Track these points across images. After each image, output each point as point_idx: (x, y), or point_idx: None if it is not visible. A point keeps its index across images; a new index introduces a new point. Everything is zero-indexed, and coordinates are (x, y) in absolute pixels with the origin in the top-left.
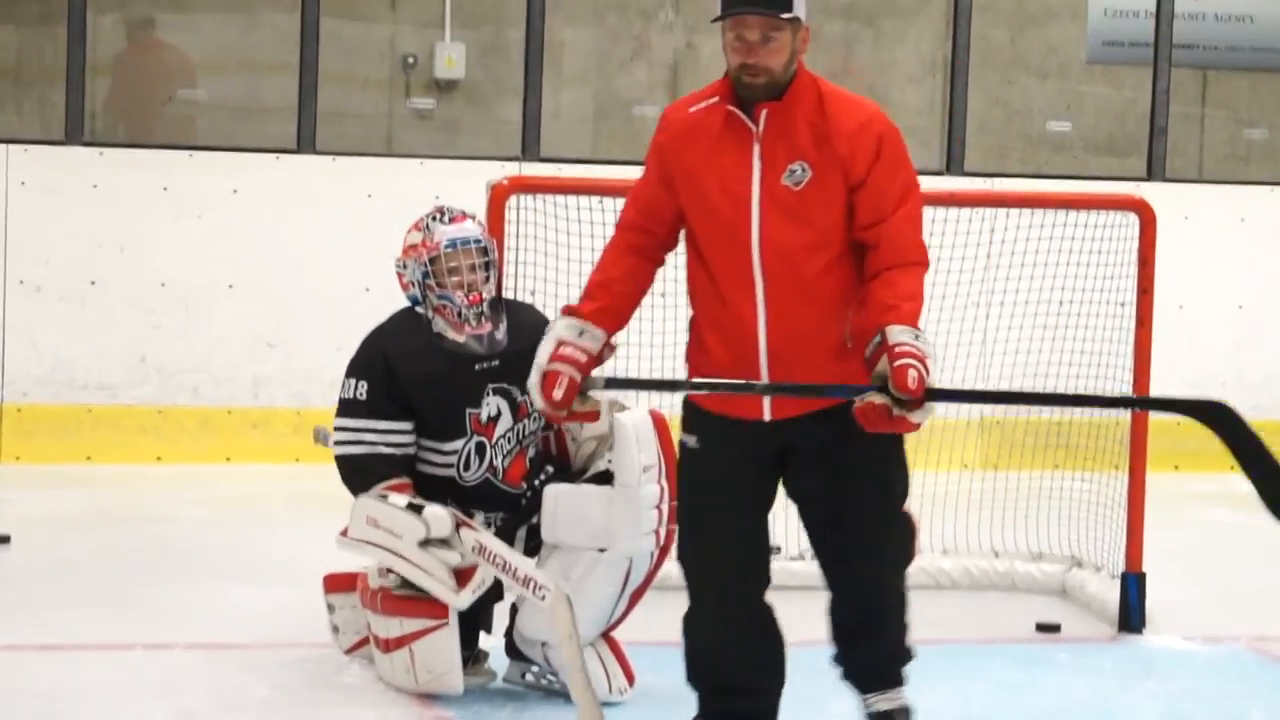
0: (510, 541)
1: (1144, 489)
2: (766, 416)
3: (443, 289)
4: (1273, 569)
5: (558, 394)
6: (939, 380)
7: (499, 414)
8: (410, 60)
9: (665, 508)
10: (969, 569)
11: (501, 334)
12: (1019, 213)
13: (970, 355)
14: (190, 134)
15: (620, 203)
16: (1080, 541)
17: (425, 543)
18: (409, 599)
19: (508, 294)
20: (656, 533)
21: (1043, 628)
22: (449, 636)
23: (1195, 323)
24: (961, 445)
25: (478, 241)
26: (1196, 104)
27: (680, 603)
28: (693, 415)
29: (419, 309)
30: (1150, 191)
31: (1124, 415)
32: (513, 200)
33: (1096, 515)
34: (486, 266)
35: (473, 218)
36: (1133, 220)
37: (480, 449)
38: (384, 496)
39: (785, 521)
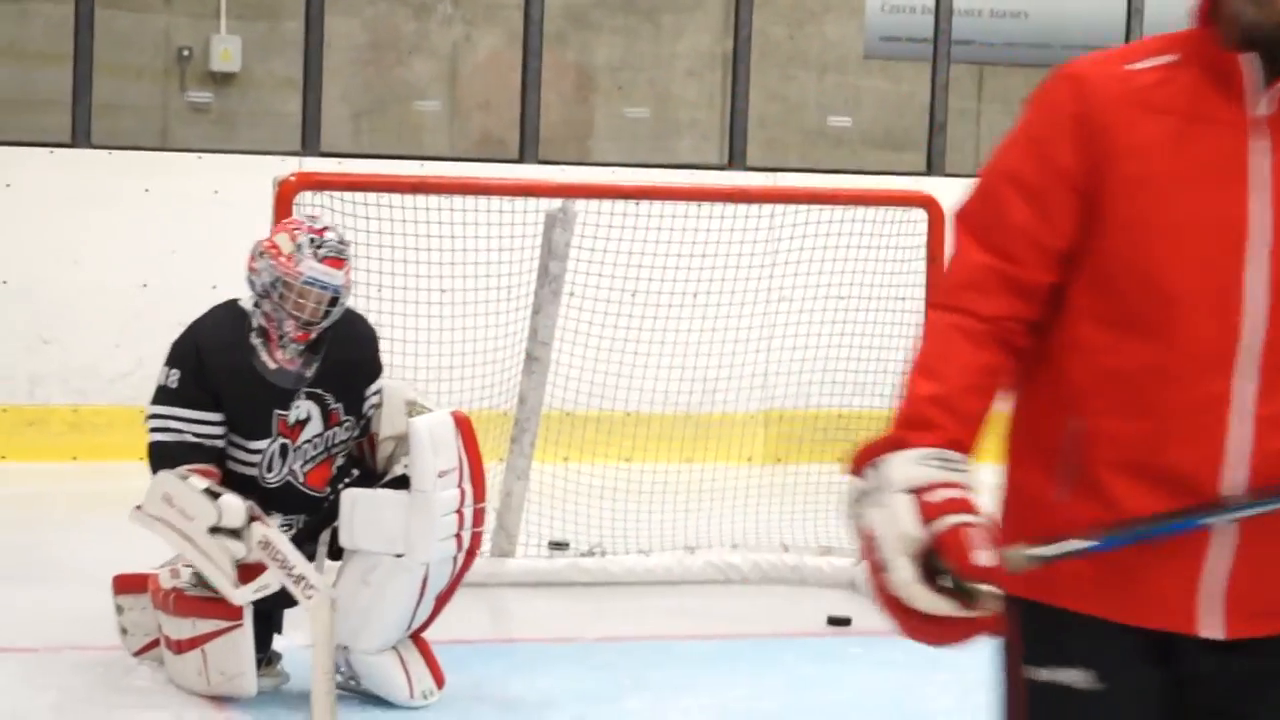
0: (313, 543)
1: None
2: (1212, 631)
3: (280, 309)
4: None
5: (986, 556)
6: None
7: (308, 418)
8: (185, 53)
9: (468, 511)
10: (758, 563)
11: (310, 373)
12: (802, 208)
13: (756, 350)
14: None
15: (409, 200)
16: None
17: (215, 530)
18: (203, 600)
19: None
20: (458, 537)
21: (834, 621)
22: (243, 638)
23: None
24: (742, 439)
25: (336, 292)
26: (973, 99)
27: (488, 598)
28: (1044, 626)
29: (246, 303)
30: (930, 186)
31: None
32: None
33: None
34: (329, 314)
35: (347, 262)
36: (914, 215)
37: (284, 451)
38: (185, 477)
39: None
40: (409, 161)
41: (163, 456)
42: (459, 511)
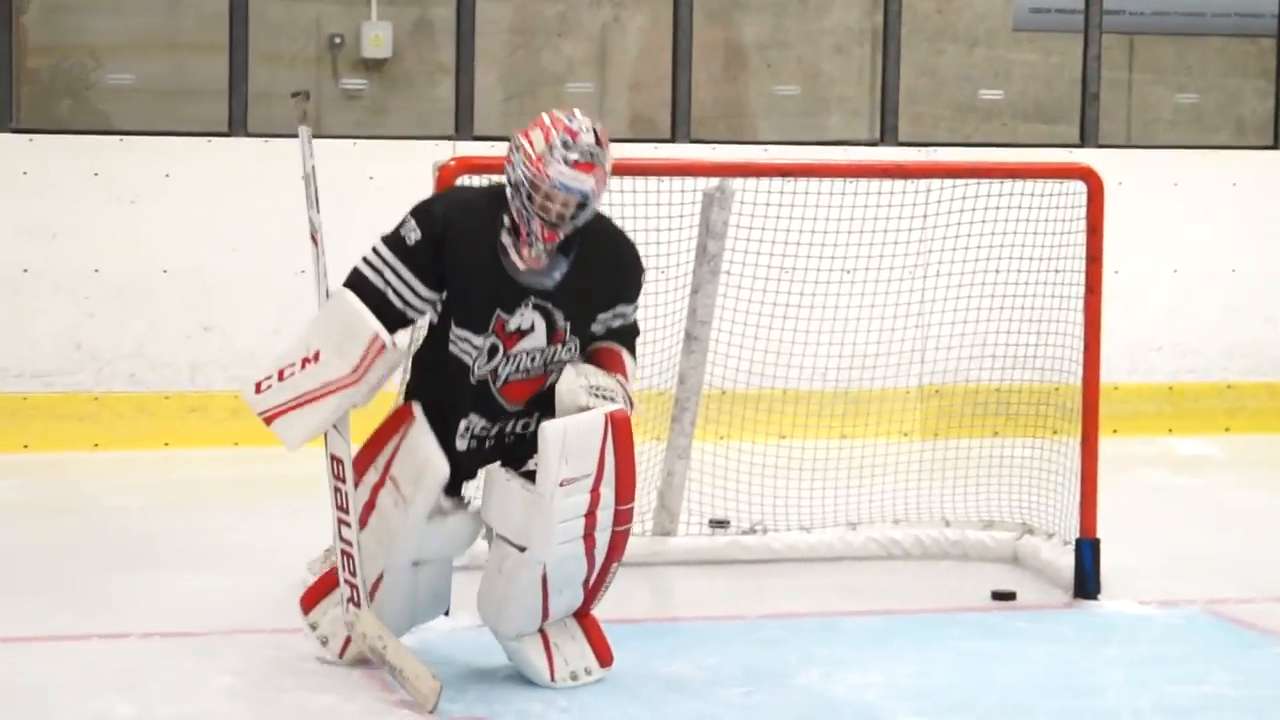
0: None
1: (1097, 455)
2: None
3: (528, 207)
4: (1218, 531)
5: None
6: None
7: (531, 329)
8: (337, 40)
9: (604, 513)
10: (920, 538)
11: (552, 280)
12: (957, 183)
13: (911, 326)
14: (119, 118)
15: None
16: (1030, 508)
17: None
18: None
19: None
20: (587, 539)
21: (998, 596)
22: (418, 430)
23: (1130, 288)
24: (900, 414)
25: (584, 199)
26: (1124, 69)
27: (651, 577)
28: None
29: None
30: (1083, 157)
31: (1066, 381)
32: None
33: (1045, 481)
34: (576, 216)
35: (600, 167)
36: (1071, 188)
37: (493, 351)
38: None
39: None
40: None
41: (357, 289)
42: (589, 515)
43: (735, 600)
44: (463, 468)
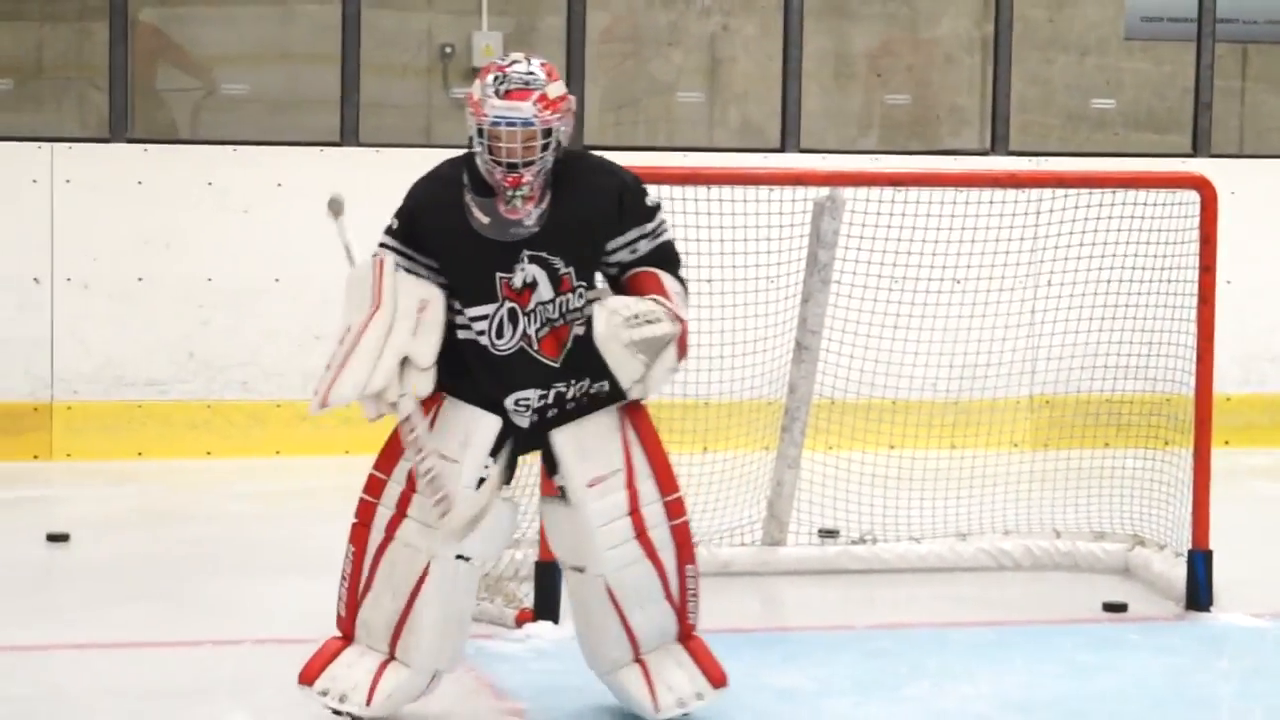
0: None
1: (1209, 467)
2: None
3: (486, 159)
4: None
5: None
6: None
7: (534, 282)
8: (448, 50)
9: (651, 509)
10: (1030, 549)
11: (533, 220)
12: (1066, 192)
13: (1021, 336)
14: (233, 129)
15: (676, 192)
16: (1141, 520)
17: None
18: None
19: None
20: (641, 539)
21: (1110, 607)
22: (456, 401)
23: (1243, 298)
24: (1012, 424)
25: (527, 124)
26: (1237, 78)
27: (761, 587)
28: None
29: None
30: (1196, 167)
31: (1178, 392)
32: None
33: (1156, 493)
34: (531, 150)
35: (536, 90)
36: (1184, 197)
37: (513, 316)
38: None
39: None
40: (670, 153)
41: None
42: (633, 513)
43: (845, 610)
44: (527, 440)
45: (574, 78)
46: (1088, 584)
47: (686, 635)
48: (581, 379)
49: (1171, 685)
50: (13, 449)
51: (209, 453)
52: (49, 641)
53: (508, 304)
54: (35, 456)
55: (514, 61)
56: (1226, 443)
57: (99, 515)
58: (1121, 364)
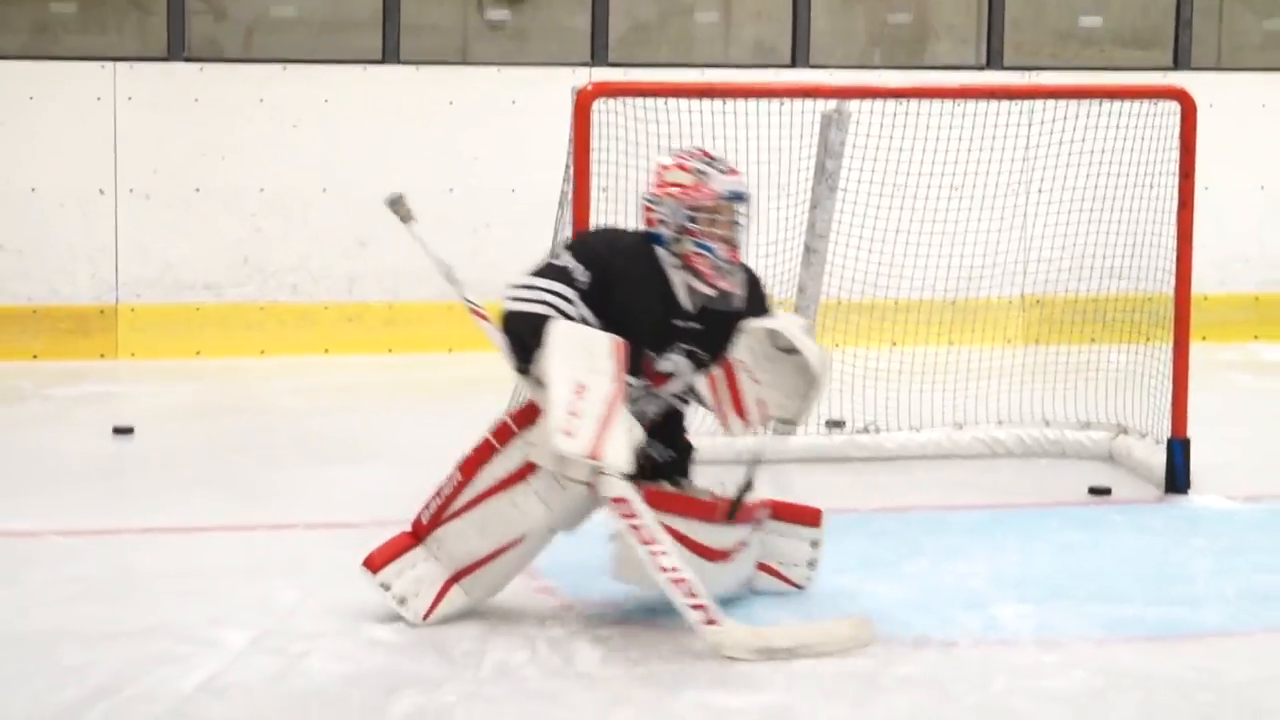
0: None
1: (1188, 361)
2: None
3: (704, 238)
4: None
5: None
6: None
7: (677, 373)
8: None
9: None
10: (1022, 438)
11: (739, 300)
12: (1058, 104)
13: (1014, 239)
14: (282, 48)
15: (694, 105)
16: (1124, 410)
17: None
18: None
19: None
20: (744, 546)
21: (1095, 491)
22: None
23: (1220, 203)
24: (1005, 322)
25: (746, 197)
26: None
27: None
28: None
29: (659, 247)
30: (1177, 80)
31: (1159, 291)
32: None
33: (1138, 385)
34: (742, 223)
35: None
36: (1166, 108)
37: (643, 392)
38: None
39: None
40: (689, 69)
41: (526, 323)
42: (742, 545)
43: (851, 495)
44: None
45: (599, 1)
46: (1074, 470)
47: (769, 508)
48: (666, 451)
49: (1152, 562)
50: (81, 349)
51: (262, 351)
52: (117, 526)
53: (643, 381)
54: (102, 355)
55: (699, 148)
56: (1204, 338)
57: (161, 410)
58: (1107, 265)
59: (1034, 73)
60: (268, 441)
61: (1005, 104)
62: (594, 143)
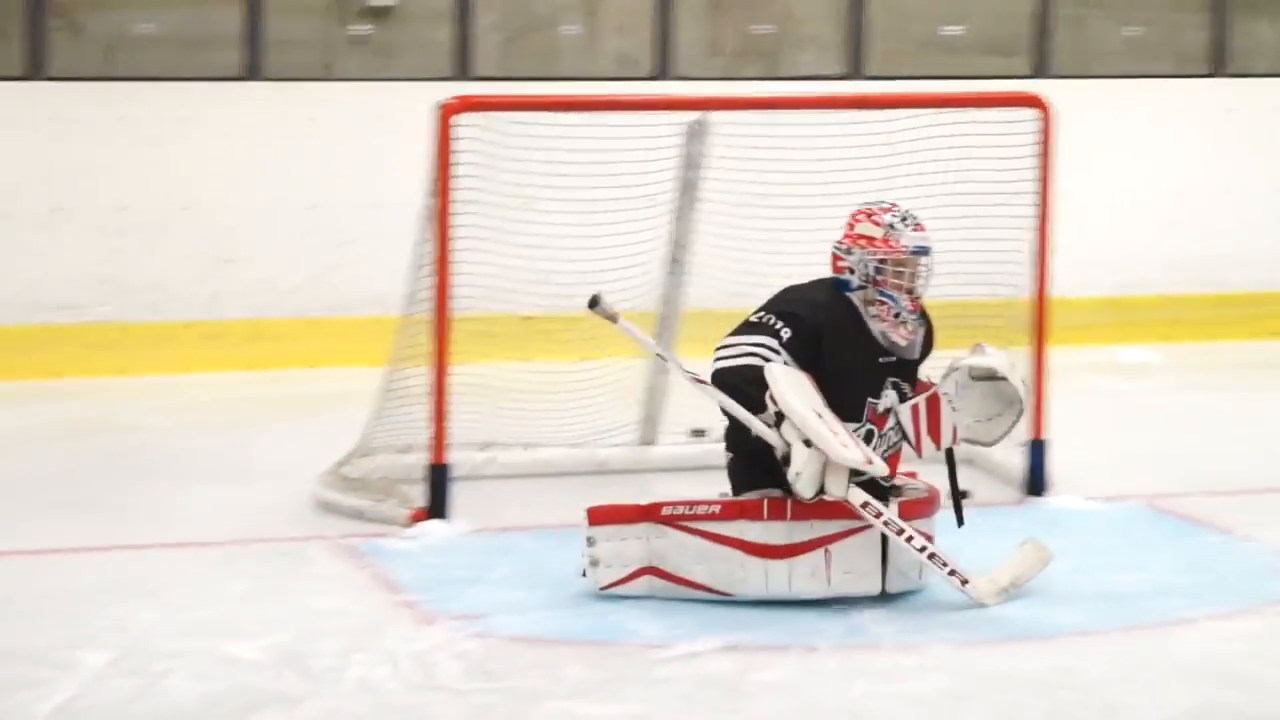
0: None
1: (1046, 362)
2: None
3: (889, 288)
4: (1160, 432)
5: None
6: None
7: (892, 409)
8: None
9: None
10: None
11: (918, 346)
12: (921, 113)
13: None
14: (143, 66)
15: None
16: None
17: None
18: (821, 504)
19: None
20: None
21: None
22: (871, 537)
23: (1080, 208)
24: None
25: (930, 254)
26: (1078, 6)
27: (636, 483)
28: None
29: (848, 292)
30: (1037, 88)
31: (1018, 295)
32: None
33: None
34: (925, 276)
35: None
36: (1026, 115)
37: (869, 437)
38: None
39: None
40: (553, 83)
41: (742, 376)
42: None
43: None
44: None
45: (467, 12)
46: (937, 473)
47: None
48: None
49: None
50: None
51: (123, 370)
52: None
53: (868, 426)
54: None
55: (886, 203)
56: (1063, 341)
57: (20, 432)
58: (968, 270)
59: (898, 81)
60: (129, 462)
61: (870, 113)
62: (457, 156)
